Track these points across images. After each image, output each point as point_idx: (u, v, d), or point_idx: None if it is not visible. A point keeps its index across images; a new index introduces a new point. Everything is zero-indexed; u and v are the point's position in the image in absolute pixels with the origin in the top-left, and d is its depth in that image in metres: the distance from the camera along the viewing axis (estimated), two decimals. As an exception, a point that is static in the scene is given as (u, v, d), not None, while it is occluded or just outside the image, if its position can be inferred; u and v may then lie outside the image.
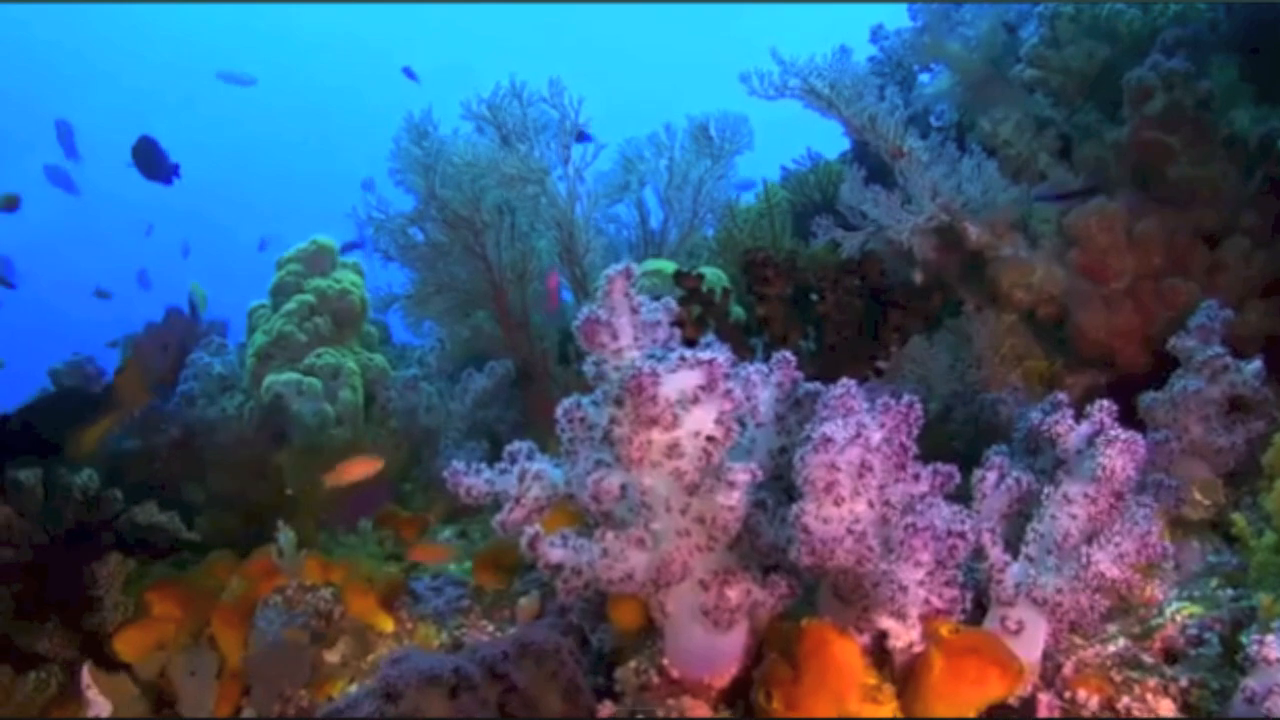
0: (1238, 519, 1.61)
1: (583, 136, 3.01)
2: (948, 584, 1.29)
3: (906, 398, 1.31)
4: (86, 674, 1.86)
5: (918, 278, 2.54)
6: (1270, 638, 1.13)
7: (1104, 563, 1.30)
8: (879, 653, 1.33)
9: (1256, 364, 1.84)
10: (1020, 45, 2.69)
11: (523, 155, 2.97)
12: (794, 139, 3.69)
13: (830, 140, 3.40)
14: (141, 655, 1.88)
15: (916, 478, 1.32)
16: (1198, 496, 1.76)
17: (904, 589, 1.26)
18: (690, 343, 1.37)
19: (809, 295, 2.23)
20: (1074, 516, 1.34)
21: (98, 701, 1.84)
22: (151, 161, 3.46)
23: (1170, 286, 2.28)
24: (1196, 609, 1.48)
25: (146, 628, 1.90)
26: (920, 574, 1.27)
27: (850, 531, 1.24)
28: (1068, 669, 1.37)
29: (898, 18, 3.18)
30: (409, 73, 5.83)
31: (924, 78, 3.13)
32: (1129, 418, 1.71)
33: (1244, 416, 1.85)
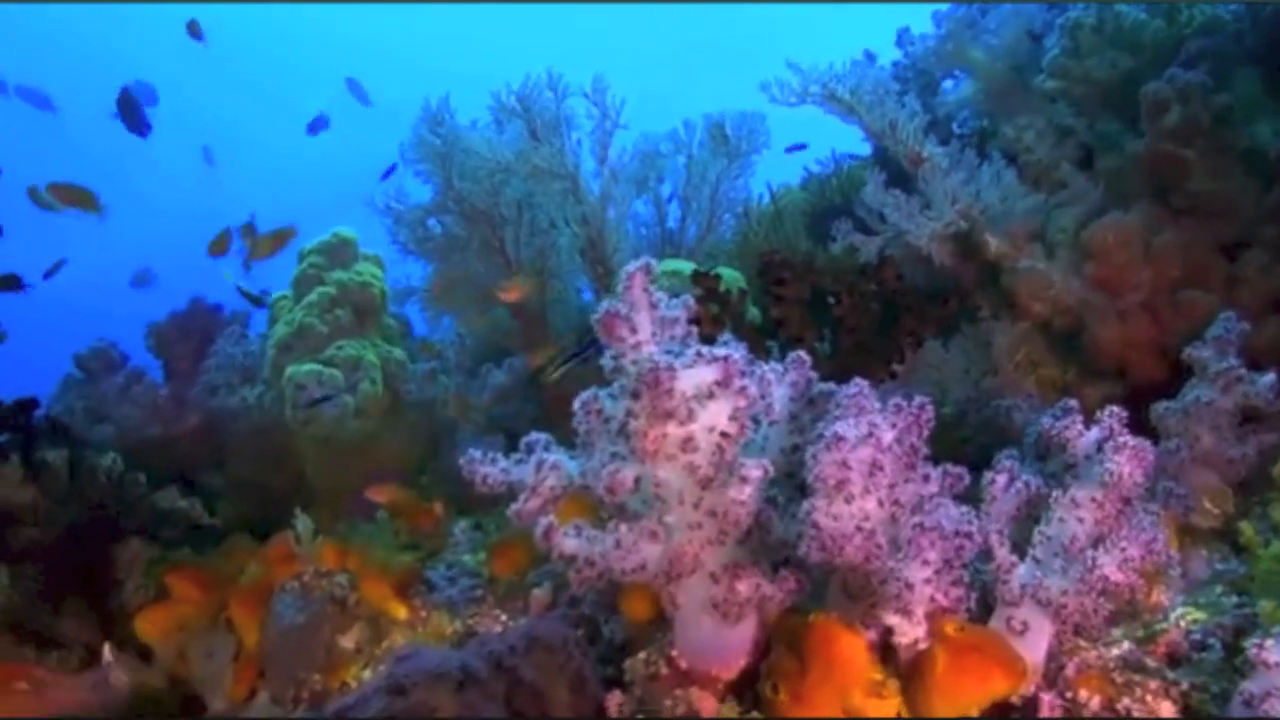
0: (1246, 528, 1.62)
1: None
2: (954, 583, 1.31)
3: (918, 399, 1.33)
4: (108, 653, 1.90)
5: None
6: (1270, 642, 1.14)
7: (1108, 567, 1.32)
8: (885, 648, 1.35)
9: (1270, 377, 1.84)
10: (1044, 54, 2.70)
11: (555, 150, 2.98)
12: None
13: (852, 143, 3.42)
14: (161, 636, 1.92)
15: (926, 478, 1.34)
16: (1207, 505, 1.77)
17: (910, 587, 1.28)
18: (707, 341, 1.39)
19: (825, 298, 2.24)
20: (1081, 520, 1.36)
21: (118, 679, 1.88)
22: (132, 114, 3.72)
23: (1187, 299, 2.29)
24: (1201, 615, 1.49)
25: (166, 609, 1.93)
26: (927, 572, 1.29)
27: (859, 529, 1.26)
28: (1070, 669, 1.38)
29: (903, 16, 3.21)
30: (354, 86, 5.88)
31: (948, 84, 3.14)
32: (1142, 429, 1.72)
33: (1256, 428, 1.87)
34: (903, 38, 3.32)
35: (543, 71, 3.02)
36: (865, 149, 3.44)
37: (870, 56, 3.24)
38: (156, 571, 1.99)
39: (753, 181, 3.43)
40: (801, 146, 3.78)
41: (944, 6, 2.96)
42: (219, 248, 3.27)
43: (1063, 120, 2.67)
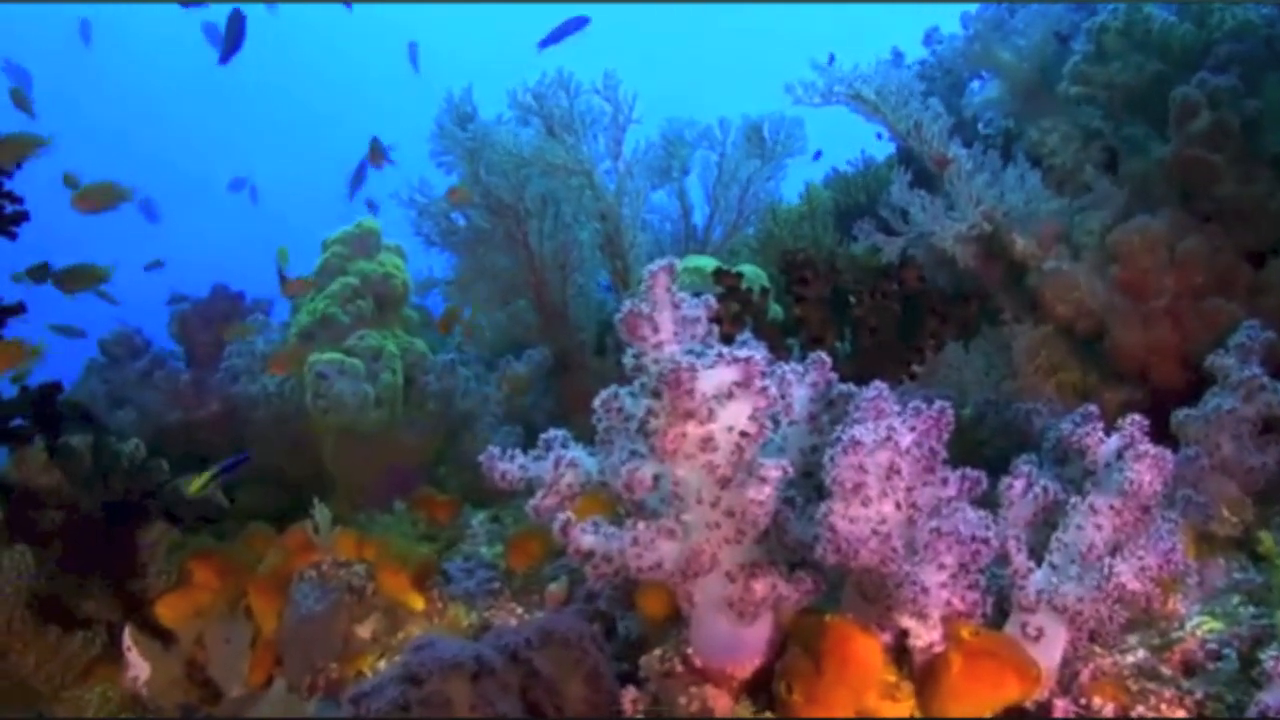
0: (1265, 538, 1.62)
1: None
2: (970, 587, 1.31)
3: (938, 403, 1.33)
4: (128, 636, 1.92)
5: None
6: (1288, 654, 1.14)
7: (1125, 575, 1.32)
8: (900, 651, 1.35)
9: (1293, 385, 1.83)
10: (1071, 56, 2.68)
11: (569, 146, 2.99)
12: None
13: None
14: (181, 621, 1.94)
15: (945, 482, 1.34)
16: (1226, 514, 1.76)
17: (926, 590, 1.28)
18: (728, 339, 1.40)
19: (847, 297, 2.24)
20: (1099, 528, 1.36)
21: (137, 663, 1.90)
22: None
23: (1211, 306, 2.28)
24: (1217, 624, 1.49)
25: (187, 595, 1.96)
26: (943, 576, 1.29)
27: (876, 532, 1.26)
28: (1085, 676, 1.38)
29: (934, 15, 3.20)
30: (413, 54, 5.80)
31: (975, 84, 3.13)
32: (1162, 435, 1.72)
33: (1277, 437, 1.85)
34: (930, 37, 3.31)
35: (561, 69, 3.04)
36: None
37: (898, 56, 3.23)
38: (178, 557, 2.01)
39: (783, 184, 3.44)
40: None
41: (973, 7, 2.95)
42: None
43: (1088, 123, 2.66)
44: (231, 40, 3.62)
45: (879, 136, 3.33)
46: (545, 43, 3.82)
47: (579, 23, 3.84)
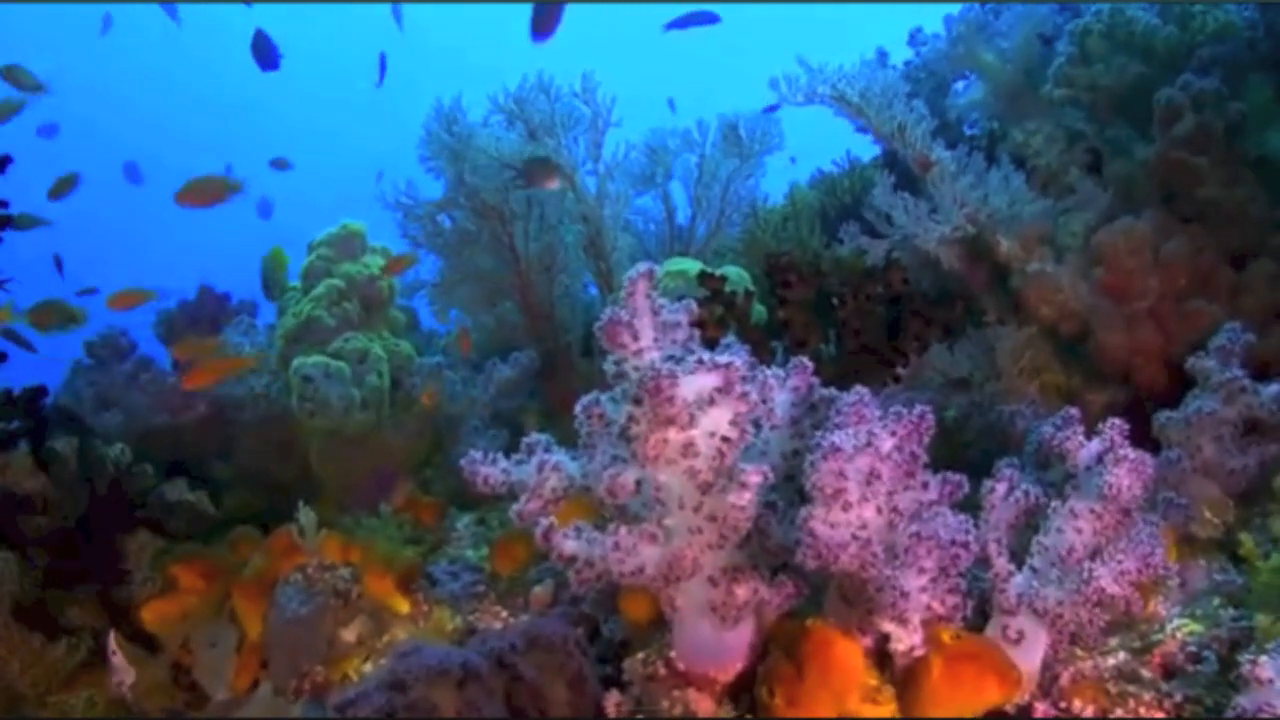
0: (1245, 540, 1.62)
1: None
2: (950, 591, 1.32)
3: (919, 408, 1.33)
4: (112, 642, 1.91)
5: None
6: (1264, 659, 1.15)
7: (1105, 579, 1.32)
8: (881, 655, 1.36)
9: (1275, 387, 1.84)
10: (1055, 58, 2.69)
11: (551, 149, 3.00)
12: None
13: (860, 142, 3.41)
14: (166, 626, 1.94)
15: (925, 486, 1.34)
16: (1207, 516, 1.77)
17: (906, 594, 1.29)
18: (711, 343, 1.40)
19: (831, 300, 2.24)
20: (1079, 531, 1.37)
21: (122, 667, 1.90)
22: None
23: (1194, 308, 2.28)
24: (1197, 627, 1.50)
25: (171, 600, 1.95)
26: (923, 580, 1.30)
27: (856, 537, 1.26)
28: (1065, 679, 1.39)
29: (920, 14, 3.20)
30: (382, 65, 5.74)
31: (959, 85, 3.14)
32: (1146, 437, 1.72)
33: (1258, 439, 1.86)
34: (915, 38, 3.31)
35: (543, 72, 3.05)
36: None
37: (883, 56, 3.23)
38: (163, 563, 2.01)
39: (764, 182, 3.45)
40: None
41: (957, 9, 2.96)
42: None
43: (1072, 125, 2.66)
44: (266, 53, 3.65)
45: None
46: (671, 25, 3.86)
47: (710, 18, 3.88)
